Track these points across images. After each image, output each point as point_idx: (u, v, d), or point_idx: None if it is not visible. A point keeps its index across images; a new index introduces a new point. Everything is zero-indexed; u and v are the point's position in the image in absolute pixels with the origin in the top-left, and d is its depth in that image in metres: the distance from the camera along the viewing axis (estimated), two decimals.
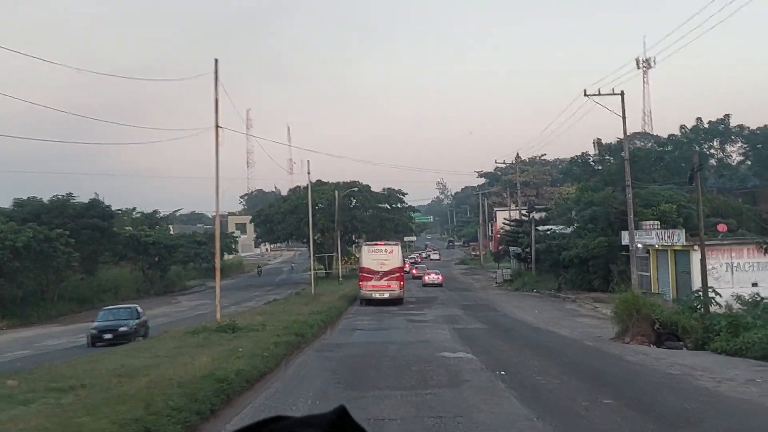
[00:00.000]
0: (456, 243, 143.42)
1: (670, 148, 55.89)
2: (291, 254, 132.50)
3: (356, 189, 68.98)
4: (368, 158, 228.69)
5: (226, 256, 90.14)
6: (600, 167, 53.29)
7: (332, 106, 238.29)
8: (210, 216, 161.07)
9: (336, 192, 65.95)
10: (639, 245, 39.40)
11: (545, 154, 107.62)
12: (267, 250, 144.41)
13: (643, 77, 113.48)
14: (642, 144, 66.81)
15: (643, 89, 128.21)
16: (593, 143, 52.61)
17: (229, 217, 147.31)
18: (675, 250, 36.66)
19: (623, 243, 41.53)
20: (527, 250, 57.07)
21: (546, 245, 54.50)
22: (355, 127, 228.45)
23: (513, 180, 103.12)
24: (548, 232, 56.49)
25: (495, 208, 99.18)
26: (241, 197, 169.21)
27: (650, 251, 38.83)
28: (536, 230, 55.42)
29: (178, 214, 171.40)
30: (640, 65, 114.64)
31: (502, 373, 15.82)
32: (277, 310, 34.80)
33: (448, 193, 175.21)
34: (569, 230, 56.91)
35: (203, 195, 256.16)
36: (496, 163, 60.58)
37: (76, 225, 50.49)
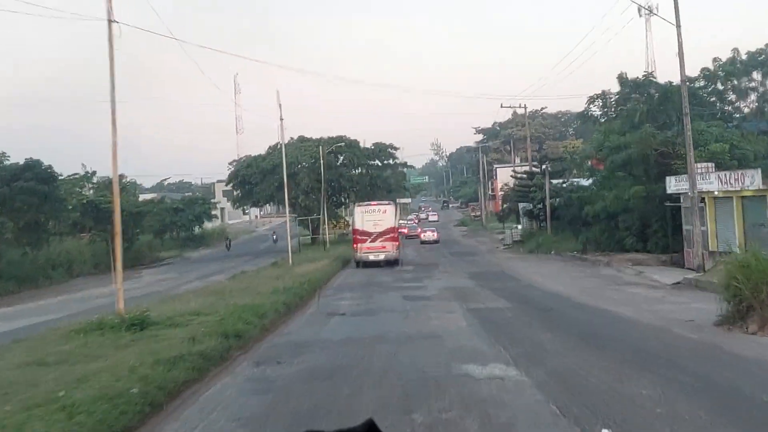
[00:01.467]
0: (452, 204, 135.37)
1: (702, 84, 47.07)
2: (282, 221, 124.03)
3: (343, 144, 60.18)
4: (358, 119, 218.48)
5: (206, 224, 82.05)
6: (623, 108, 44.50)
7: (324, 67, 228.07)
8: (198, 184, 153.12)
9: (320, 147, 57.25)
10: (690, 192, 31.03)
11: (546, 107, 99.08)
12: (257, 217, 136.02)
13: (646, 25, 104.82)
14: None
15: (646, 37, 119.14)
16: (617, 78, 43.86)
17: (216, 184, 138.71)
18: (743, 197, 28.21)
19: (668, 191, 33.15)
20: (540, 206, 48.65)
21: (564, 199, 46.08)
22: (345, 87, 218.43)
23: (513, 134, 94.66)
24: (564, 185, 48.04)
25: (495, 165, 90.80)
26: (229, 163, 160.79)
27: (706, 200, 30.38)
28: (550, 183, 46.93)
29: (166, 183, 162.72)
30: (642, 13, 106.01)
31: None
32: (235, 287, 26.40)
33: (443, 154, 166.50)
34: (588, 182, 48.63)
35: (192, 163, 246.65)
36: (501, 107, 51.54)
37: (10, 190, 41.82)
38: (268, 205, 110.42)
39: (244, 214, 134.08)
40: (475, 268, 35.37)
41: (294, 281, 26.33)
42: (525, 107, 50.10)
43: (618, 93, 44.61)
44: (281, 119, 37.55)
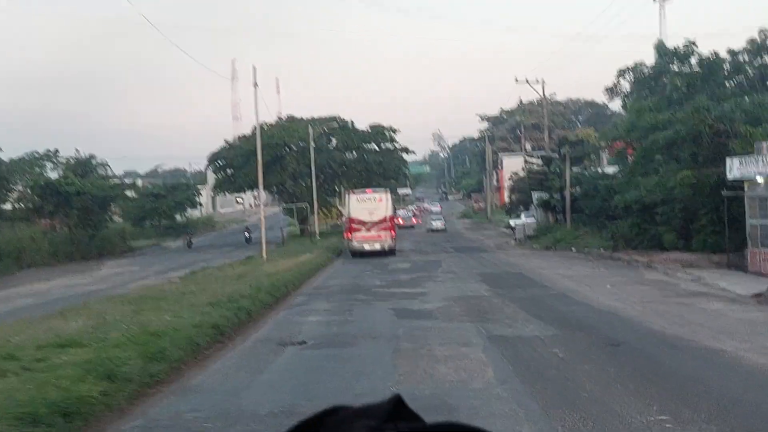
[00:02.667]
0: (451, 197, 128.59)
1: (746, 59, 40.02)
2: (275, 210, 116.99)
3: (335, 125, 53.12)
4: (358, 109, 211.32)
5: (192, 212, 75.32)
6: (659, 83, 37.50)
7: (322, 54, 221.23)
8: (194, 170, 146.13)
9: (309, 128, 50.27)
10: (760, 178, 24.24)
11: (555, 94, 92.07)
12: (251, 205, 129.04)
13: (660, 12, 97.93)
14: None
15: (660, 23, 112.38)
16: (654, 47, 36.91)
17: (208, 172, 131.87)
18: None
19: (729, 177, 26.21)
20: (557, 196, 41.73)
21: (586, 188, 39.25)
22: (345, 73, 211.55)
23: (522, 122, 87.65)
24: (585, 172, 41.19)
25: (501, 154, 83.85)
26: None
27: None
28: (570, 170, 39.98)
29: (160, 170, 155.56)
30: None
31: None
32: (173, 291, 19.57)
33: (445, 145, 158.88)
34: (614, 169, 41.96)
35: (191, 150, 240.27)
36: (516, 81, 44.47)
37: None
38: (264, 192, 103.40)
39: (238, 203, 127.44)
40: (485, 268, 28.51)
41: (254, 285, 19.51)
42: (543, 82, 43.19)
43: (653, 66, 37.63)
44: (255, 85, 30.48)
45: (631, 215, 34.29)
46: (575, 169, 41.92)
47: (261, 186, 34.50)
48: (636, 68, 38.40)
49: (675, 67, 37.14)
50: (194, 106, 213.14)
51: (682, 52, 36.73)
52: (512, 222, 54.93)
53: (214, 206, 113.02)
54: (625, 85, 39.46)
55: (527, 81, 43.57)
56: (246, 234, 54.48)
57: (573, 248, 36.34)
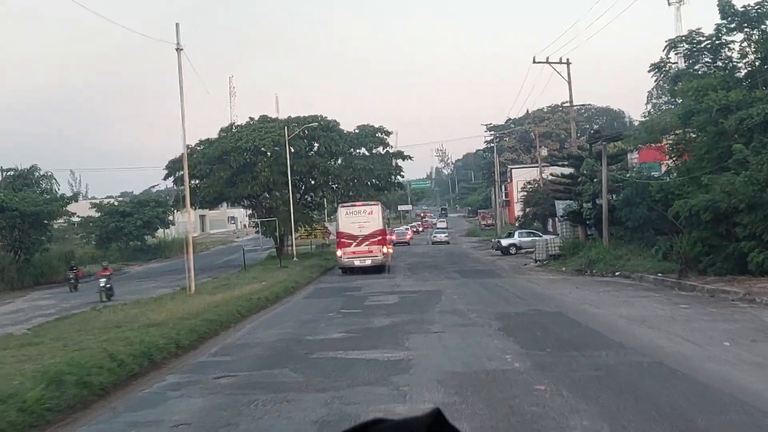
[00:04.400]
0: (451, 215, 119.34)
1: None
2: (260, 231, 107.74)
3: (316, 125, 43.75)
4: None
5: (165, 231, 66.05)
6: (715, 61, 28.20)
7: (322, 71, 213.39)
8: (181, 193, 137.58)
9: (285, 129, 41.08)
10: None
11: (566, 103, 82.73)
12: (244, 226, 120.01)
13: (676, 15, 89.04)
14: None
15: (675, 29, 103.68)
16: (717, 6, 27.73)
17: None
18: None
19: None
20: (590, 204, 32.28)
21: (630, 193, 29.88)
22: (345, 89, 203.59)
23: (528, 131, 78.51)
24: (628, 174, 31.85)
25: (510, 166, 74.63)
26: None
27: None
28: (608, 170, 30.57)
29: (154, 189, 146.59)
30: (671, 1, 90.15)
31: None
32: None
33: (449, 161, 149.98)
34: (658, 172, 32.81)
35: None
36: (534, 62, 35.12)
37: None
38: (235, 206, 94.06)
39: (230, 222, 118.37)
40: (506, 304, 19.04)
41: (55, 367, 10.13)
42: (568, 62, 33.96)
43: (714, 34, 28.25)
44: (177, 48, 21.26)
45: (697, 227, 24.88)
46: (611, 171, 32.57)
47: (188, 189, 25.03)
48: (690, 38, 29.08)
49: (738, 36, 27.91)
50: (193, 125, 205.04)
51: (753, 13, 27.40)
52: (503, 241, 45.95)
53: (203, 226, 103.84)
54: (675, 61, 30.23)
55: (548, 61, 34.22)
56: (103, 284, 29.44)
57: (616, 272, 26.86)
